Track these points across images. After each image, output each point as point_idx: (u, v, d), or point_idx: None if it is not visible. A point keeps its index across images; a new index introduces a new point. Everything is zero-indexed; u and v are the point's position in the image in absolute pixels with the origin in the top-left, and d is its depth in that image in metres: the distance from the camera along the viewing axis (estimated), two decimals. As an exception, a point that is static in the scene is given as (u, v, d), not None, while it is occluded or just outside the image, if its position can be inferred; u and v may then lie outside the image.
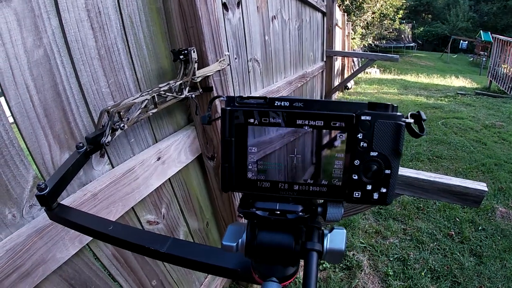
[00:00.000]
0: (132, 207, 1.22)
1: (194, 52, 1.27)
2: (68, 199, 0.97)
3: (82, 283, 1.08)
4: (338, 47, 8.04)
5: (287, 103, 0.46)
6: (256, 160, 0.48)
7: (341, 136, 0.45)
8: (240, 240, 0.51)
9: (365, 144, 0.45)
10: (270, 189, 0.49)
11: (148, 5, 1.22)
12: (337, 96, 7.77)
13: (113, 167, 1.15)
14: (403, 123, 0.44)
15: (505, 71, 9.17)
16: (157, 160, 1.29)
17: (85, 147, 0.88)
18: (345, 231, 0.50)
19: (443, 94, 9.20)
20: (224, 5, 1.77)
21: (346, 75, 9.35)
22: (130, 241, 0.63)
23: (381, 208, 3.22)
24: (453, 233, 2.92)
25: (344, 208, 0.48)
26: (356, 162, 0.45)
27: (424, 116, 0.46)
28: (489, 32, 19.61)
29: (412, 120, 0.45)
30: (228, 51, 1.88)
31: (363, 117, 0.44)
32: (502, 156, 4.51)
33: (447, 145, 4.95)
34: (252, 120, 0.47)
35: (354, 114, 0.44)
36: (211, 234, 1.93)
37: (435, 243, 2.79)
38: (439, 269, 2.50)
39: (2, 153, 0.83)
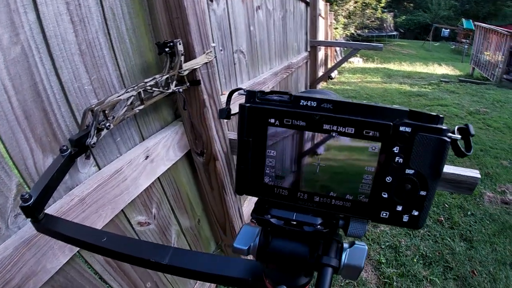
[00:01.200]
0: (122, 209, 1.16)
1: (180, 44, 1.21)
2: (55, 206, 0.91)
3: None
4: (321, 37, 8.01)
5: (314, 103, 0.40)
6: (274, 165, 0.43)
7: (373, 148, 0.39)
8: (252, 244, 0.48)
9: (401, 160, 0.39)
10: (288, 197, 0.45)
11: (130, -4, 1.15)
12: (321, 86, 7.75)
13: (99, 169, 1.09)
14: (449, 139, 0.38)
15: (487, 58, 9.33)
16: (145, 158, 1.24)
17: (69, 150, 0.82)
18: (366, 248, 0.46)
19: (426, 82, 9.27)
20: None
21: (329, 65, 9.34)
22: (128, 253, 0.58)
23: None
24: (442, 219, 2.96)
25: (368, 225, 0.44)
26: (388, 179, 0.40)
27: (472, 131, 0.39)
28: (470, 20, 19.91)
29: (459, 136, 0.38)
30: (214, 43, 1.82)
31: (402, 128, 0.38)
32: (488, 142, 4.58)
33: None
34: (273, 121, 0.41)
35: (391, 124, 0.38)
36: (203, 231, 1.88)
37: (426, 230, 2.82)
38: (430, 255, 2.53)
39: None
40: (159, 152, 1.32)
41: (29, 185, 0.88)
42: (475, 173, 1.26)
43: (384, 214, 0.41)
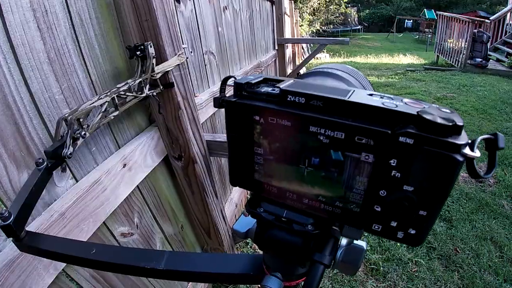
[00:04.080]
0: (104, 221, 1.12)
1: (151, 46, 1.18)
2: (34, 223, 0.86)
3: None
4: (288, 35, 8.07)
5: (302, 100, 0.35)
6: (263, 162, 0.40)
7: (367, 157, 0.33)
8: (250, 228, 0.48)
9: (399, 175, 0.32)
10: (277, 195, 0.42)
11: (97, 0, 1.11)
12: None
13: (77, 181, 1.04)
14: (461, 159, 0.29)
15: (451, 46, 9.65)
16: (123, 167, 1.20)
17: (45, 163, 0.79)
18: (364, 247, 0.44)
19: (393, 72, 9.48)
20: None
21: (297, 62, 9.41)
22: (120, 262, 0.55)
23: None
24: None
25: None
26: (382, 193, 0.34)
27: (502, 144, 0.30)
28: (432, 10, 20.52)
29: (477, 155, 0.29)
30: (185, 44, 1.80)
31: (402, 139, 0.30)
32: (457, 124, 4.72)
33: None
34: (257, 118, 0.37)
35: (389, 132, 0.31)
36: (187, 237, 1.85)
37: None
38: (413, 237, 2.57)
39: None
40: (136, 159, 1.28)
41: (5, 204, 0.83)
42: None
43: (376, 227, 0.36)
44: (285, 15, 6.74)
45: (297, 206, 0.41)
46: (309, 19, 15.06)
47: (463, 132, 0.30)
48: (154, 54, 1.20)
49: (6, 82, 0.82)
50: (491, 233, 2.64)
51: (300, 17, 13.05)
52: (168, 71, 1.31)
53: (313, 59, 11.91)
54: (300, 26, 12.86)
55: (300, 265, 0.47)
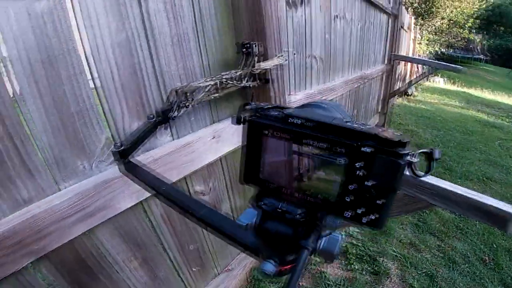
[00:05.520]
0: (185, 176, 1.39)
1: (255, 46, 1.41)
2: (133, 160, 1.14)
3: (130, 234, 1.27)
4: (403, 50, 7.82)
5: (299, 121, 0.50)
6: (266, 165, 0.55)
7: (340, 161, 0.47)
8: (250, 222, 0.59)
9: (362, 173, 0.46)
10: (275, 191, 0.56)
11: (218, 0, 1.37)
12: (396, 101, 7.60)
13: (173, 139, 1.32)
14: (403, 163, 0.43)
15: None
16: (212, 138, 1.45)
17: (154, 118, 1.06)
18: (340, 238, 0.55)
19: (505, 114, 8.72)
20: (288, 3, 1.88)
21: (408, 81, 9.09)
22: (176, 200, 0.76)
23: (420, 221, 3.18)
24: (487, 258, 2.82)
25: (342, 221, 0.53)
26: (351, 187, 0.47)
27: (437, 155, 0.45)
28: None
29: (416, 160, 0.44)
30: (288, 47, 1.99)
31: (363, 149, 0.45)
32: None
33: (500, 167, 4.69)
34: (266, 132, 0.52)
35: (355, 144, 0.45)
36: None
37: (467, 265, 2.70)
38: (464, 292, 2.46)
39: (83, 115, 1.02)
40: (224, 135, 1.52)
41: (115, 140, 1.12)
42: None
43: (347, 214, 0.49)
44: (403, 29, 6.53)
45: (290, 199, 0.54)
46: (429, 38, 14.34)
47: (408, 146, 0.44)
48: (257, 53, 1.42)
49: (137, 54, 1.12)
50: None
51: (419, 34, 12.48)
52: (267, 69, 1.52)
53: (425, 81, 11.43)
54: (419, 43, 12.32)
55: (291, 252, 0.57)
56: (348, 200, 0.48)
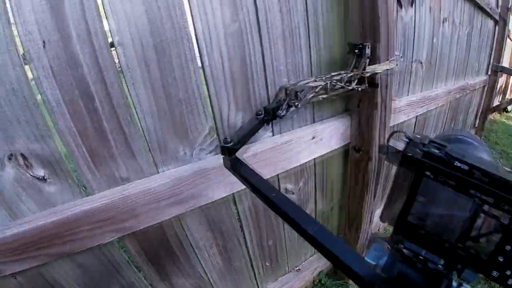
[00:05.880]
0: (278, 173, 1.38)
1: (368, 48, 1.32)
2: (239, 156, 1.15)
3: (216, 222, 1.30)
4: (506, 61, 6.96)
5: (466, 167, 0.45)
6: (420, 210, 0.50)
7: (504, 220, 0.43)
8: (378, 263, 0.57)
9: None
10: (423, 237, 0.51)
11: (331, -4, 1.31)
12: (493, 117, 6.85)
13: (273, 135, 1.31)
14: None
15: None
16: (311, 138, 1.41)
17: (262, 115, 1.05)
18: None
19: None
20: (399, 2, 1.76)
21: (508, 96, 8.13)
22: (288, 213, 0.74)
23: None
24: None
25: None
26: (508, 248, 0.43)
27: None
28: None
29: None
30: (398, 52, 1.86)
31: None
32: None
33: None
34: (428, 173, 0.47)
35: None
36: (331, 219, 2.01)
37: None
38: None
39: (190, 103, 1.04)
40: (323, 136, 1.48)
41: (218, 130, 1.14)
42: None
43: (495, 273, 0.45)
44: (508, 38, 5.76)
45: (436, 249, 0.50)
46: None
47: None
48: (369, 55, 1.34)
49: (248, 45, 1.11)
50: None
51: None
52: (377, 73, 1.43)
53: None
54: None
55: None
56: (501, 260, 0.44)
